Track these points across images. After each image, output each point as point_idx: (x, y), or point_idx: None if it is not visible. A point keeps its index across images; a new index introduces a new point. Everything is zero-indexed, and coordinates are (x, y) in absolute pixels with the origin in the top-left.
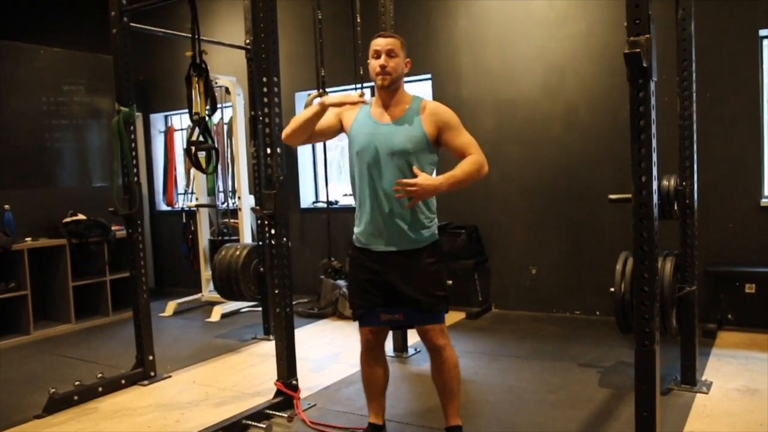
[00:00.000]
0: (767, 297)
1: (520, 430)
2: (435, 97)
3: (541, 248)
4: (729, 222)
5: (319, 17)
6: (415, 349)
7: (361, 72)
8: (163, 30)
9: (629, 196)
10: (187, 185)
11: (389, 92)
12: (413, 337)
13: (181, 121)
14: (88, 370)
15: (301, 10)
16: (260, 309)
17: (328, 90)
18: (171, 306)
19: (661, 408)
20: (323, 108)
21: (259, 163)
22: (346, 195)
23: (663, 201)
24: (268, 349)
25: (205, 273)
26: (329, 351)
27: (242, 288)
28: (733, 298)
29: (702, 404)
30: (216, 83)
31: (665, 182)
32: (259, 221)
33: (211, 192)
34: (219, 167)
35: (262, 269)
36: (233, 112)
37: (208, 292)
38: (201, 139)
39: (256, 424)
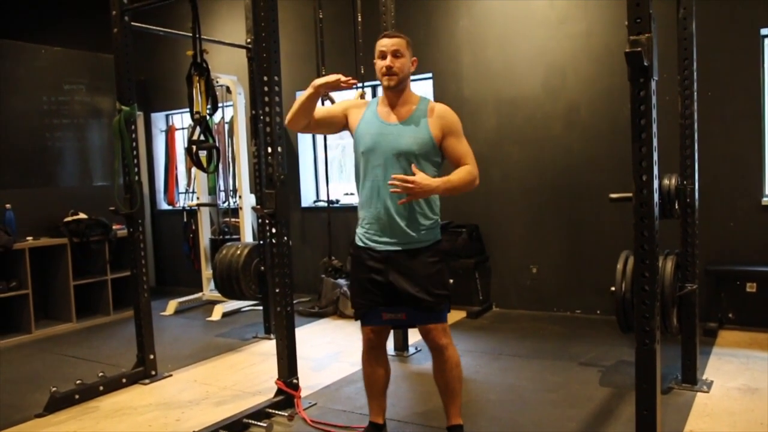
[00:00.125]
0: None
1: (521, 429)
2: (436, 97)
3: (541, 247)
4: (730, 221)
5: (320, 16)
6: (416, 348)
7: (362, 71)
8: (164, 29)
9: (630, 195)
10: (188, 184)
11: (396, 92)
12: (414, 336)
13: (182, 120)
14: (89, 369)
15: (302, 10)
16: (261, 308)
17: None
18: (172, 305)
19: (662, 407)
20: (316, 89)
21: (259, 162)
22: (346, 194)
23: (664, 200)
24: (268, 348)
25: (206, 272)
26: (330, 350)
27: (243, 287)
28: (734, 297)
29: (703, 403)
30: (217, 82)
31: (666, 181)
32: (259, 220)
33: (212, 191)
34: (220, 166)
35: (262, 268)
36: (234, 111)
37: (209, 291)
38: (202, 138)
39: (256, 422)
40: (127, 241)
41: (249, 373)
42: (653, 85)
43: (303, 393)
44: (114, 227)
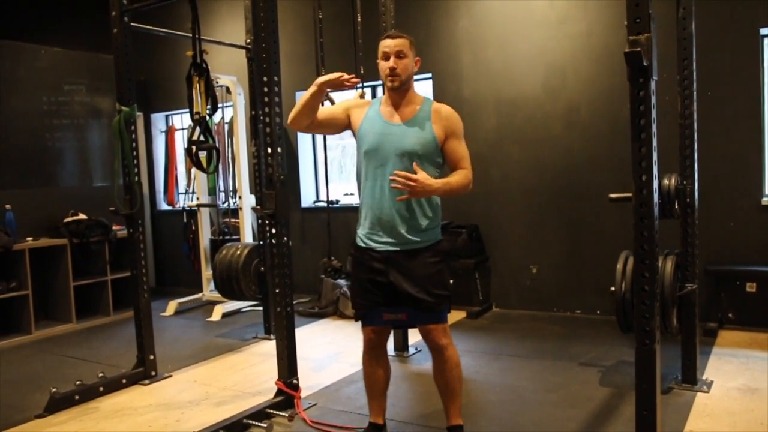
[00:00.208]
0: None
1: (521, 429)
2: (436, 97)
3: (541, 247)
4: (730, 221)
5: (320, 17)
6: (416, 349)
7: (362, 71)
8: (163, 30)
9: (630, 195)
10: (188, 185)
11: (400, 93)
12: (414, 336)
13: (182, 120)
14: (89, 370)
15: (302, 10)
16: (261, 308)
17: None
18: (172, 305)
19: (662, 407)
20: (319, 87)
21: (259, 163)
22: (346, 194)
23: (663, 200)
24: (268, 348)
25: (206, 272)
26: (330, 350)
27: (243, 287)
28: (733, 297)
29: (702, 403)
30: (217, 83)
31: (666, 181)
32: (259, 221)
33: (212, 191)
34: (220, 167)
35: (262, 269)
36: (234, 111)
37: (209, 291)
38: (202, 138)
39: (256, 423)
40: (127, 242)
41: (249, 373)
42: (653, 85)
43: (303, 393)
44: (114, 228)
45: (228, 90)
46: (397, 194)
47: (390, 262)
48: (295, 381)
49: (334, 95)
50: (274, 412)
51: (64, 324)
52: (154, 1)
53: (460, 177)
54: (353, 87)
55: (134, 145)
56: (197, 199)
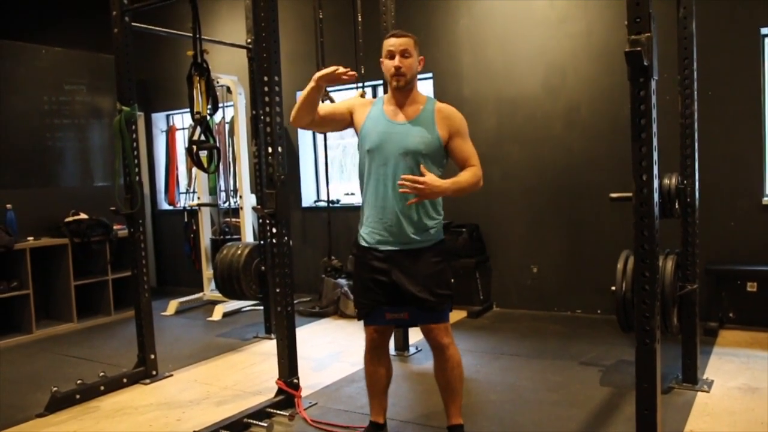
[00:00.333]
0: None
1: (521, 429)
2: (436, 96)
3: (542, 247)
4: (730, 220)
5: (320, 16)
6: (417, 348)
7: (363, 71)
8: (164, 29)
9: (630, 194)
10: (189, 184)
11: (404, 92)
12: (415, 335)
13: (182, 120)
14: (89, 369)
15: (302, 9)
16: (261, 308)
17: (328, 89)
18: (173, 305)
19: (662, 406)
20: (317, 82)
21: (260, 162)
22: (347, 194)
23: (664, 199)
24: (269, 347)
25: (207, 272)
26: (330, 350)
27: (244, 287)
28: (734, 296)
29: (703, 403)
30: (217, 82)
31: (666, 181)
32: (260, 220)
33: (213, 191)
34: (220, 166)
35: (263, 268)
36: (234, 111)
37: (210, 291)
38: (203, 138)
39: (257, 422)
40: (127, 241)
41: (249, 372)
42: (653, 84)
43: (303, 393)
44: (115, 227)
45: (229, 90)
46: (400, 193)
47: (392, 261)
48: (295, 380)
49: (334, 95)
50: (275, 411)
51: (65, 323)
52: (154, 0)
53: (469, 175)
54: (350, 81)
55: (135, 144)
56: (198, 198)
